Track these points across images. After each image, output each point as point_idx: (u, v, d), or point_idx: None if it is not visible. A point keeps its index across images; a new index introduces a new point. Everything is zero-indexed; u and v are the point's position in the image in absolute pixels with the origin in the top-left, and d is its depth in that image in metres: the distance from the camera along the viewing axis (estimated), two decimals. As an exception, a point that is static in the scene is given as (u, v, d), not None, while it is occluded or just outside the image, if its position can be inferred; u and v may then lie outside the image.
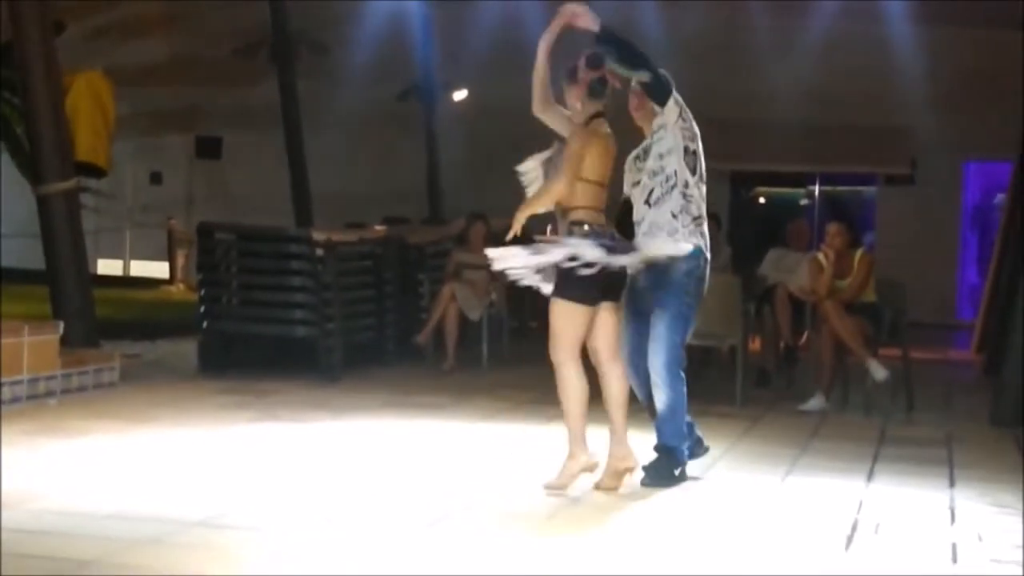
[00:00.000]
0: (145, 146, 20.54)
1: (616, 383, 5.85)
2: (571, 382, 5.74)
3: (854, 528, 5.33)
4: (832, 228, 9.17)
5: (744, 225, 18.74)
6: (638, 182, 6.03)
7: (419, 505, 5.39)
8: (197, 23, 20.68)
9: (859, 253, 9.11)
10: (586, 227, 5.71)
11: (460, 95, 19.18)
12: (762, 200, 20.32)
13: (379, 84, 18.80)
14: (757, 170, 19.33)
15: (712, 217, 11.57)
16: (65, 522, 4.86)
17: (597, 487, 5.78)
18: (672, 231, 5.95)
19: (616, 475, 5.84)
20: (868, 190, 19.40)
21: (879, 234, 18.39)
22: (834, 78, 17.96)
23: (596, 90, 5.83)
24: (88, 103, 10.89)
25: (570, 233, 5.71)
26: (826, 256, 9.06)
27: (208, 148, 21.40)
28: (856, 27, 17.66)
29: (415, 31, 18.52)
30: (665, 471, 6.00)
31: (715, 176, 18.87)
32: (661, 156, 6.00)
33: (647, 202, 6.00)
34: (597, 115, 5.83)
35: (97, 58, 15.56)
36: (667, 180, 5.99)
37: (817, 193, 19.42)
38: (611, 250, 5.64)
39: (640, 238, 5.96)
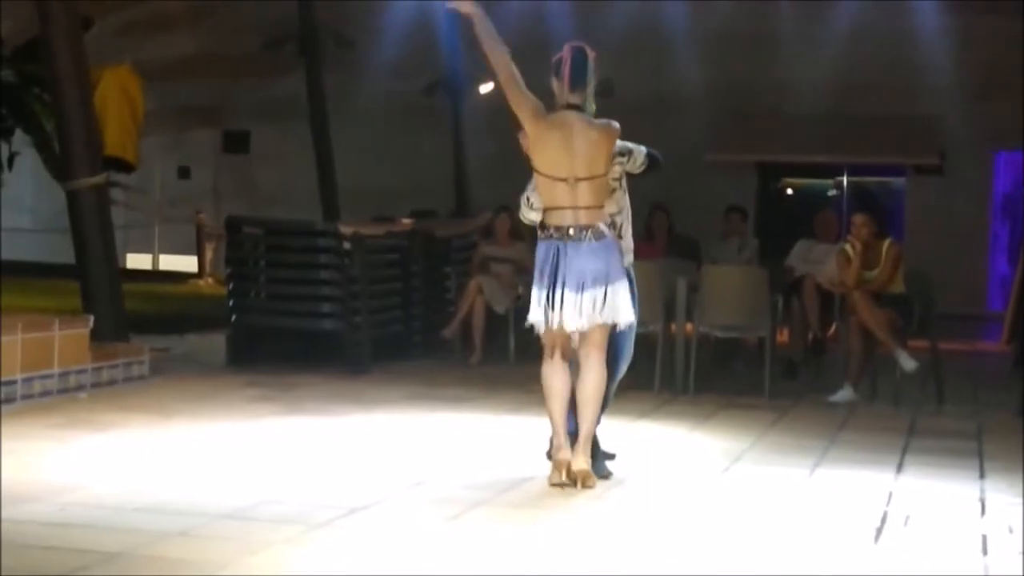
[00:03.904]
0: (173, 141, 20.63)
1: (590, 377, 5.71)
2: (543, 381, 5.72)
3: (883, 520, 5.30)
4: (858, 219, 9.11)
5: (771, 217, 18.67)
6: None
7: (445, 498, 5.39)
8: (224, 17, 20.75)
9: (887, 244, 9.05)
10: (538, 231, 5.70)
11: (486, 88, 19.15)
12: (789, 191, 20.23)
13: (405, 77, 18.82)
14: (784, 161, 19.25)
15: (738, 210, 11.68)
16: (93, 515, 4.89)
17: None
18: (631, 248, 6.12)
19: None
20: (897, 181, 19.29)
21: (908, 224, 18.27)
22: (861, 68, 17.87)
23: (573, 81, 5.68)
24: (117, 98, 10.96)
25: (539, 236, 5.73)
26: (853, 247, 9.01)
27: (236, 142, 21.47)
28: (883, 16, 17.55)
29: (441, 24, 18.51)
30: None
31: (742, 168, 19.00)
32: (624, 191, 6.09)
33: (618, 236, 6.00)
34: (569, 106, 5.70)
35: (125, 53, 15.64)
36: (628, 213, 6.11)
37: (845, 184, 19.33)
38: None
39: None
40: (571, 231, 5.60)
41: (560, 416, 5.69)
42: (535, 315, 5.68)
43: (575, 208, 5.61)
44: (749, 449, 6.90)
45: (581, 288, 5.57)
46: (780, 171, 19.76)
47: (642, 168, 6.03)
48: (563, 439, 5.68)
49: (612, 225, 5.89)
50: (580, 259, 5.58)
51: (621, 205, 6.03)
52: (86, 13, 11.40)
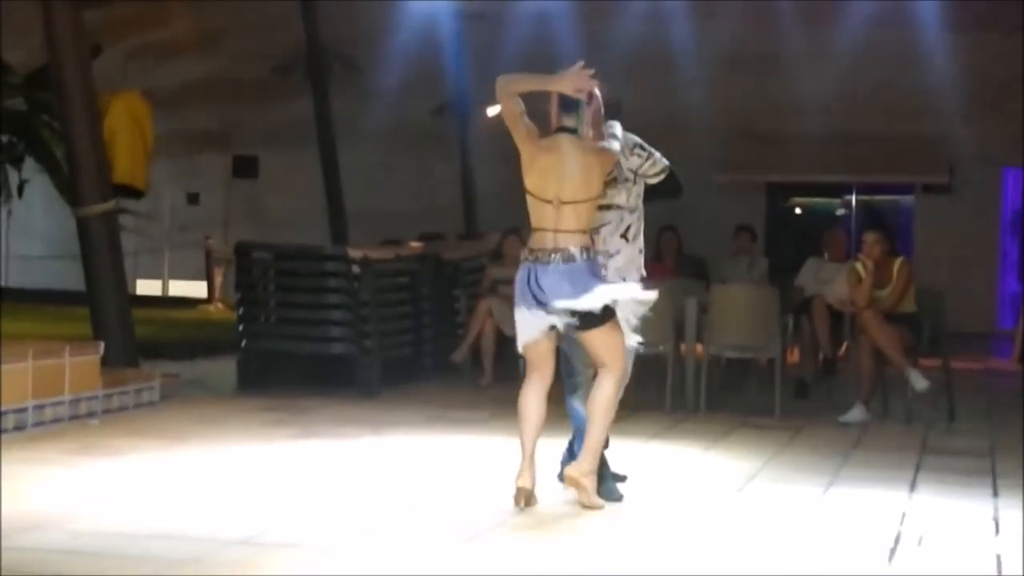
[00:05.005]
0: (182, 166, 20.69)
1: (596, 391, 5.71)
2: (519, 406, 5.74)
3: (897, 540, 5.28)
4: (870, 237, 9.10)
5: (781, 236, 18.67)
6: (609, 207, 5.95)
7: (457, 520, 5.38)
8: (232, 43, 20.85)
9: (898, 262, 9.03)
10: (527, 253, 5.70)
11: (493, 110, 19.18)
12: (798, 211, 20.24)
13: (413, 100, 18.88)
14: (793, 181, 19.26)
15: (747, 229, 11.69)
16: (105, 542, 4.88)
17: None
18: (640, 266, 6.08)
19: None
20: (905, 199, 19.29)
21: (917, 243, 18.25)
22: (869, 87, 17.89)
23: (568, 104, 5.70)
24: (126, 124, 10.96)
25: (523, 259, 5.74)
26: (864, 266, 8.99)
27: (245, 167, 21.53)
28: (889, 35, 17.59)
29: (447, 47, 18.59)
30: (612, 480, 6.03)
31: (751, 187, 19.01)
32: (638, 196, 6.06)
33: (624, 236, 6.00)
34: (563, 129, 5.72)
35: (133, 79, 15.70)
36: (640, 219, 6.08)
37: (853, 203, 19.33)
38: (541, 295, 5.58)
39: (615, 271, 5.93)
40: (541, 255, 5.63)
41: (529, 441, 5.69)
42: (525, 336, 5.67)
43: (555, 231, 5.64)
44: (763, 469, 6.88)
45: (549, 304, 5.58)
46: (788, 190, 19.77)
47: (659, 177, 6.02)
48: (527, 466, 5.68)
49: (624, 236, 5.92)
50: (547, 279, 5.59)
51: (633, 204, 6.00)
52: (95, 40, 11.46)
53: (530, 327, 5.66)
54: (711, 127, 18.21)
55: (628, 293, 5.74)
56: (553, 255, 5.61)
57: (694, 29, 18.18)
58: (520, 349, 5.78)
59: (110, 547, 4.80)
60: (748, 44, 18.27)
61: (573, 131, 5.72)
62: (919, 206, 18.88)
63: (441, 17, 18.30)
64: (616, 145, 5.83)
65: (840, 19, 17.68)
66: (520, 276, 5.71)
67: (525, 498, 5.64)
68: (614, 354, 5.69)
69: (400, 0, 18.22)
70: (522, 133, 5.72)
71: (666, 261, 11.07)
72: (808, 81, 17.94)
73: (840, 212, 19.49)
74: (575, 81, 5.66)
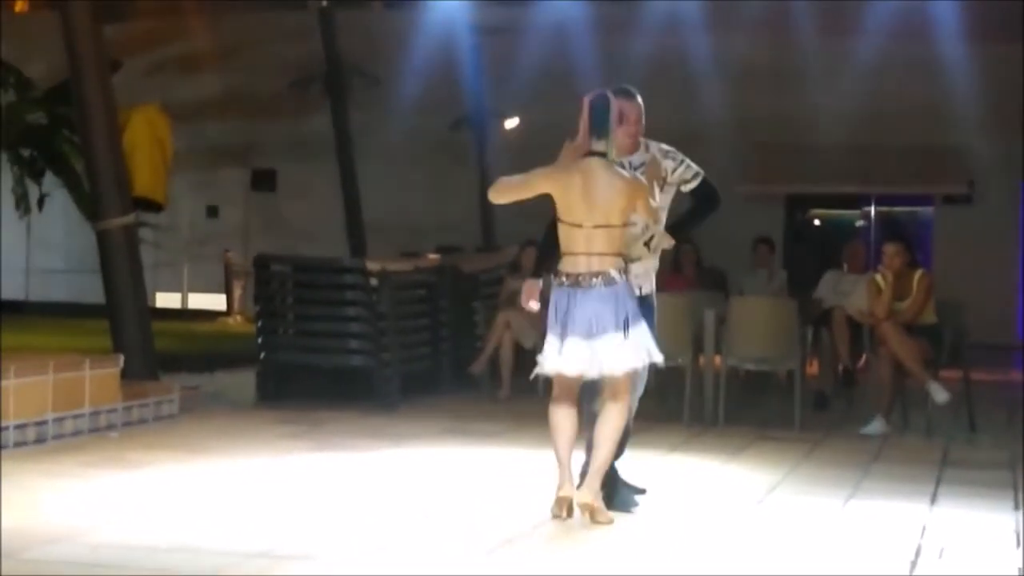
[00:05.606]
0: (201, 180, 20.77)
1: (604, 423, 5.72)
2: (550, 421, 5.74)
3: (918, 553, 5.26)
4: (890, 248, 9.07)
5: (799, 248, 18.62)
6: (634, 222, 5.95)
7: (477, 533, 5.38)
8: (251, 57, 20.93)
9: (919, 274, 9.00)
10: (552, 277, 5.69)
11: (512, 123, 19.24)
12: (817, 222, 20.19)
13: (431, 114, 18.92)
14: (812, 192, 19.22)
15: (766, 241, 11.66)
16: (123, 555, 4.89)
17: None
18: (653, 280, 6.09)
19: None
20: (925, 210, 19.22)
21: (937, 254, 18.18)
22: (888, 98, 17.84)
23: (596, 130, 5.68)
24: (146, 138, 11.01)
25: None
26: (884, 277, 8.96)
27: (264, 181, 21.61)
28: (909, 46, 17.55)
29: (465, 61, 18.63)
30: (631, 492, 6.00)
31: (769, 199, 18.96)
32: (662, 209, 6.04)
33: (647, 244, 5.99)
34: (593, 153, 5.69)
35: (153, 93, 15.76)
36: (662, 235, 6.08)
37: (873, 214, 19.27)
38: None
39: (633, 278, 5.89)
40: (581, 278, 5.58)
41: (565, 453, 5.69)
42: (551, 364, 5.65)
43: (588, 255, 5.61)
44: (782, 481, 6.86)
45: (590, 335, 5.53)
46: (808, 202, 19.72)
47: (695, 182, 6.00)
48: (566, 476, 5.68)
49: (647, 244, 5.92)
50: (589, 304, 5.56)
51: (660, 216, 5.98)
52: (115, 55, 11.51)
53: (561, 358, 5.58)
54: (730, 138, 18.19)
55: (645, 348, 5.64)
56: (594, 279, 5.56)
57: (712, 41, 18.17)
58: (547, 372, 5.70)
59: (128, 560, 4.81)
60: (767, 55, 18.25)
61: (604, 155, 5.71)
62: (939, 217, 18.82)
63: (459, 31, 18.35)
64: (656, 193, 5.80)
65: (860, 30, 17.64)
66: (555, 302, 5.64)
67: (567, 508, 5.62)
68: (625, 387, 5.68)
69: (418, 12, 18.28)
70: (539, 178, 5.73)
71: (685, 273, 11.05)
72: (827, 92, 17.91)
73: (859, 224, 19.44)
74: (579, 148, 5.67)
